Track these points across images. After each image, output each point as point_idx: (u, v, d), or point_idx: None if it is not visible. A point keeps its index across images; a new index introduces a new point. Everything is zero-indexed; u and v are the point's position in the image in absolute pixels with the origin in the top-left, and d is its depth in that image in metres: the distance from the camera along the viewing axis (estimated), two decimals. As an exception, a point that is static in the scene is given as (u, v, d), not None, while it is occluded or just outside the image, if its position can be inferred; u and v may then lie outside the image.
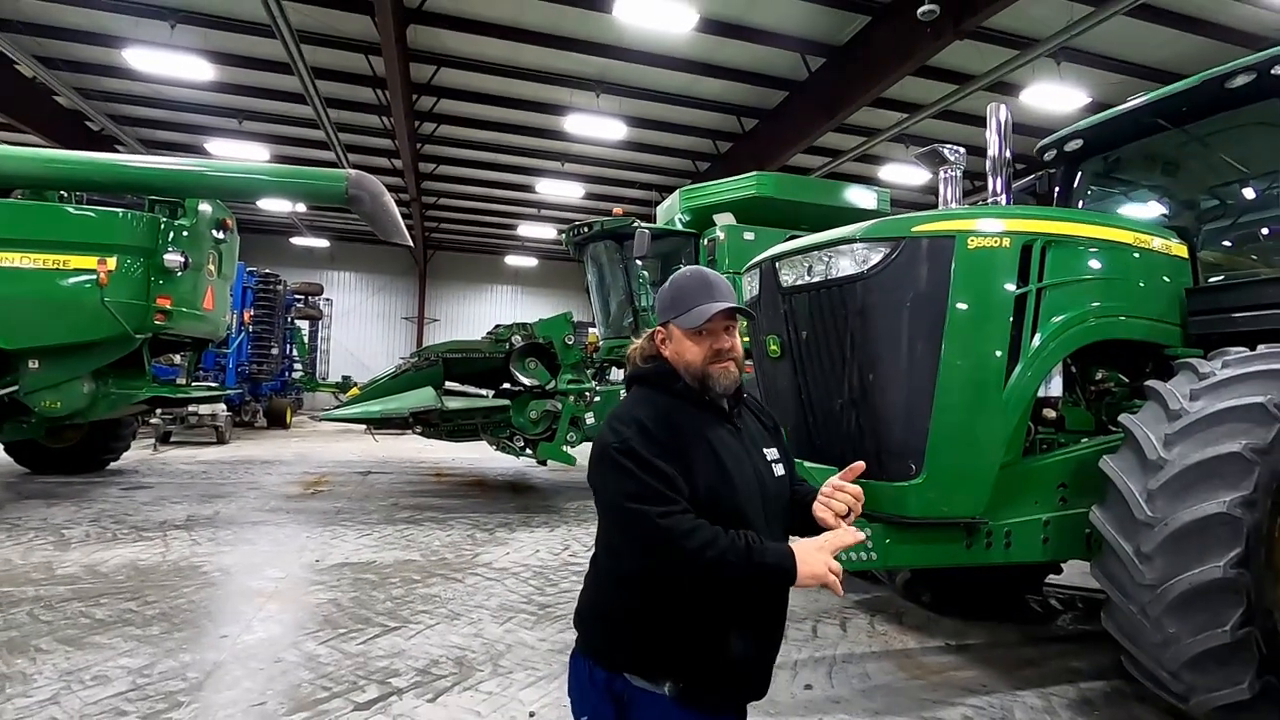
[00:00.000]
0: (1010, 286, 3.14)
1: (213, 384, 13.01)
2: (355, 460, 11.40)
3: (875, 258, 3.01)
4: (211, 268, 7.99)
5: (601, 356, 9.46)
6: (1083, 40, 9.91)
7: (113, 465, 9.38)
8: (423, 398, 7.42)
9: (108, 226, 6.99)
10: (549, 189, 18.04)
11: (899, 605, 4.60)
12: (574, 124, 13.60)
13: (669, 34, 10.44)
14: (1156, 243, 3.62)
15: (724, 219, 8.63)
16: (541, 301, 26.21)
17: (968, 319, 3.04)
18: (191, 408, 11.81)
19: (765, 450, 1.60)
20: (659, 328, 1.60)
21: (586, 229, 9.06)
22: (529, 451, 7.92)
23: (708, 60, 11.66)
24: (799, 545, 1.38)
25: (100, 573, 4.81)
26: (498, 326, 8.20)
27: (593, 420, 8.09)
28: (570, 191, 18.15)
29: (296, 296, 18.87)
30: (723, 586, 1.39)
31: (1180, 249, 3.70)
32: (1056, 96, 11.30)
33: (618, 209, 9.44)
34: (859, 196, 8.88)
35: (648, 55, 11.42)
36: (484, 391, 8.62)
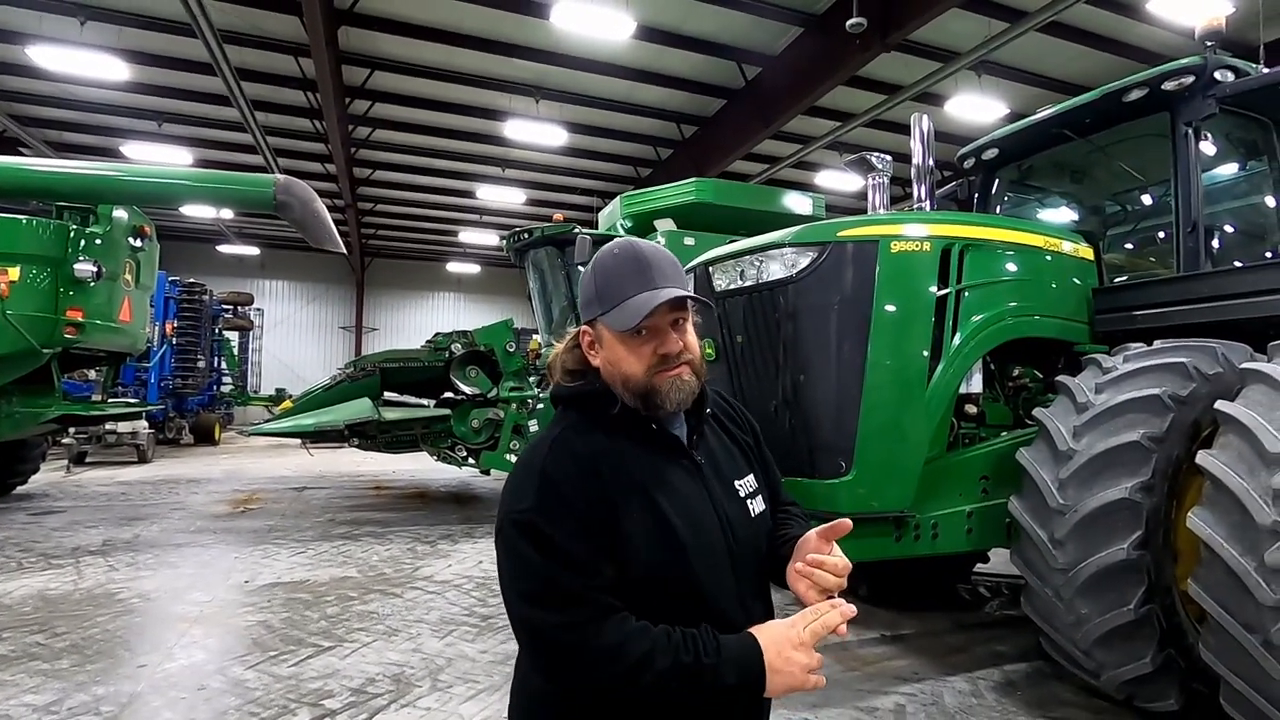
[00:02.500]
0: (932, 288, 3.27)
1: (132, 400, 12.34)
2: (289, 476, 10.98)
3: (804, 262, 3.09)
4: (128, 277, 7.57)
5: (544, 363, 9.40)
6: (1000, 54, 10.45)
7: (19, 490, 8.75)
8: (359, 409, 7.22)
9: (9, 235, 6.55)
10: (490, 195, 17.83)
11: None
12: (514, 129, 13.49)
13: (607, 41, 10.49)
14: (1066, 246, 3.84)
15: (664, 224, 8.72)
16: (485, 308, 25.83)
17: (892, 320, 3.16)
18: (109, 426, 11.15)
19: (737, 483, 1.23)
20: (585, 328, 1.19)
21: (527, 235, 8.99)
22: (472, 461, 7.79)
23: (647, 68, 11.76)
24: (770, 638, 1.03)
25: (3, 605, 4.48)
26: (437, 335, 8.05)
27: (536, 427, 8.02)
28: (512, 197, 17.99)
29: (224, 307, 18.07)
30: (686, 701, 1.03)
31: (1087, 252, 3.93)
32: (978, 107, 11.85)
33: (558, 215, 9.39)
34: (795, 202, 9.10)
35: (587, 62, 11.45)
36: (424, 401, 8.44)
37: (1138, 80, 3.82)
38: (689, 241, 8.18)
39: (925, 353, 3.21)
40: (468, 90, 12.54)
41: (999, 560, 4.57)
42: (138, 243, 7.69)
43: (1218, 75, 3.62)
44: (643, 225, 8.97)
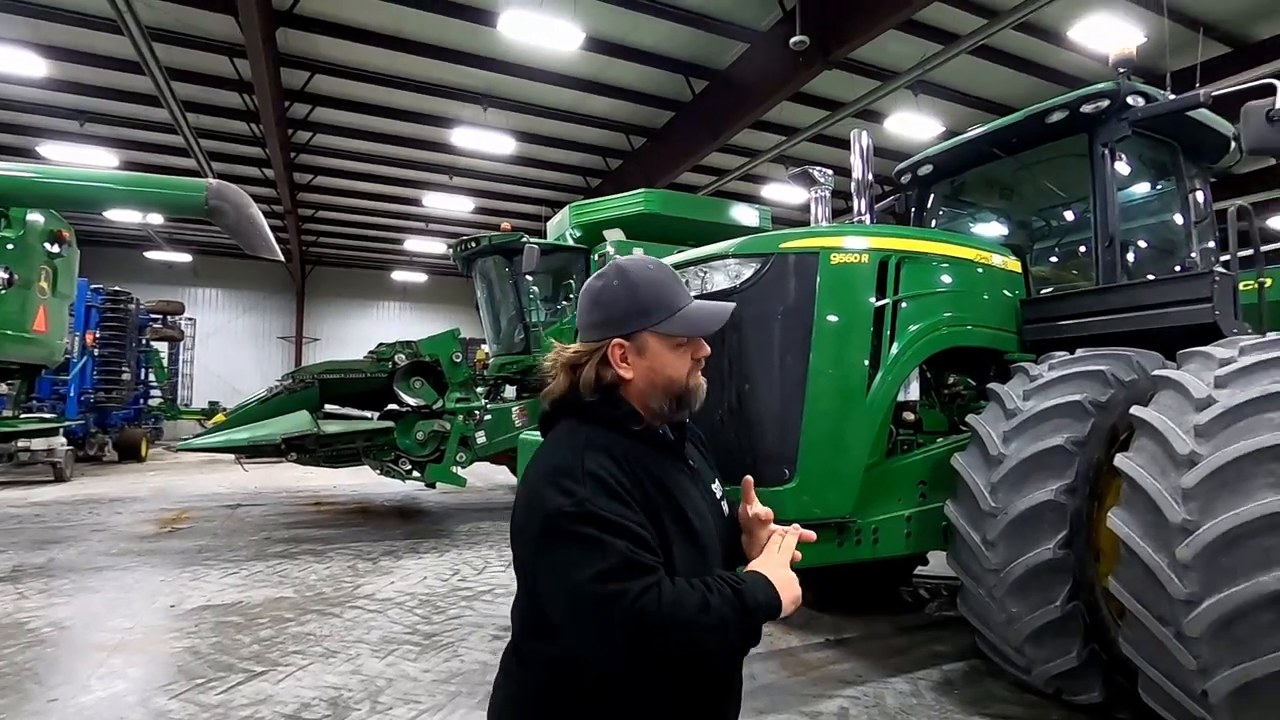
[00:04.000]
0: (871, 299, 3.37)
1: (48, 415, 11.59)
2: (222, 493, 10.49)
3: (747, 272, 3.14)
4: (44, 285, 7.15)
5: (492, 373, 9.27)
6: (936, 75, 10.90)
7: (-82, 513, 8.11)
8: (297, 422, 6.96)
9: (-92, 238, 6.10)
10: (437, 202, 17.55)
11: (784, 606, 4.78)
12: (461, 137, 13.33)
13: (556, 51, 10.48)
14: (996, 259, 4.01)
15: (614, 234, 8.73)
16: (432, 318, 25.35)
17: (833, 330, 3.24)
18: (21, 443, 10.43)
19: (713, 486, 1.37)
20: (618, 341, 1.22)
21: (474, 244, 8.89)
22: (417, 474, 7.61)
23: (595, 79, 11.80)
24: (764, 569, 1.18)
25: (-105, 639, 4.13)
26: (380, 345, 7.84)
27: (483, 439, 7.90)
28: (459, 205, 17.74)
29: (153, 316, 17.22)
30: (714, 655, 1.10)
31: (1015, 265, 4.12)
32: (915, 125, 12.32)
33: (506, 224, 9.34)
34: (743, 214, 9.25)
35: (535, 71, 11.42)
36: (367, 414, 8.21)
37: (1059, 103, 4.04)
38: (637, 251, 8.23)
39: (865, 362, 3.30)
40: (413, 96, 12.33)
41: (938, 562, 4.73)
42: (55, 248, 7.28)
43: (1130, 100, 3.85)
44: (592, 235, 8.97)
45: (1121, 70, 3.98)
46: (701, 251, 3.36)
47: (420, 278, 26.23)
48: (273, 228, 7.03)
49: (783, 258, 3.17)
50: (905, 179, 5.08)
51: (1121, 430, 2.98)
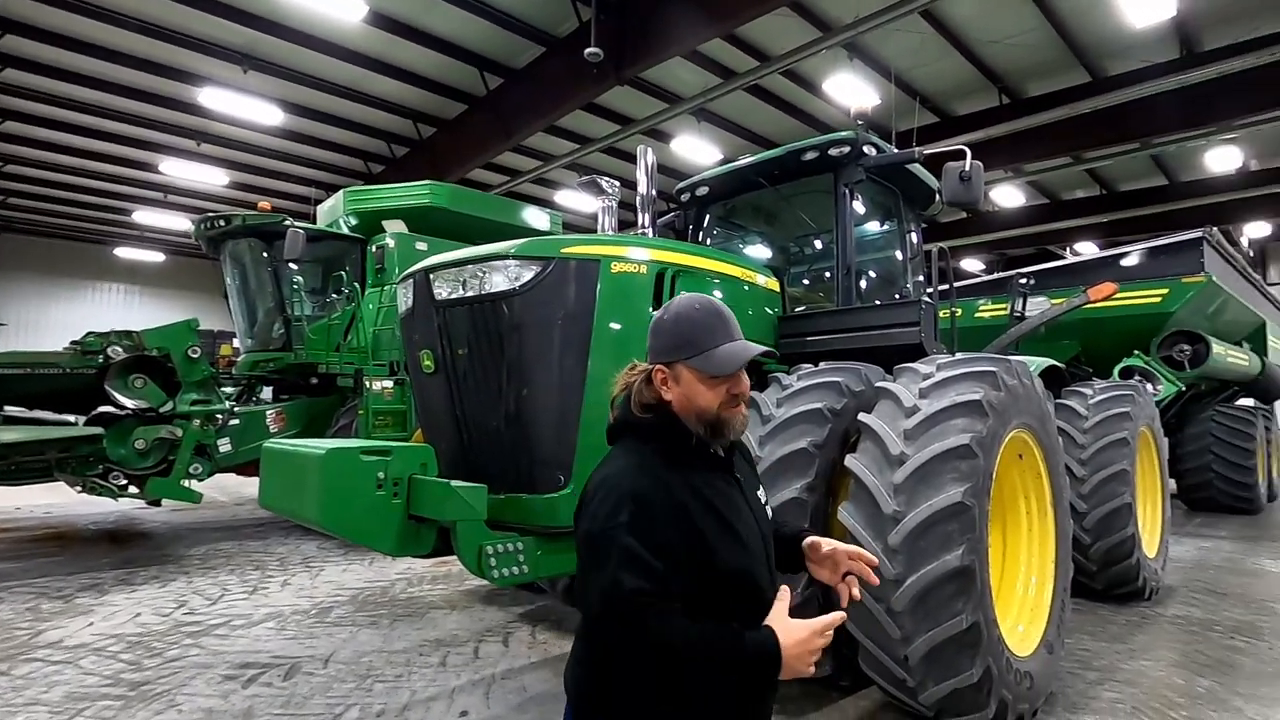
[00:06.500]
0: (649, 309, 3.48)
1: None
2: None
3: (527, 275, 3.07)
4: None
5: (242, 372, 8.15)
6: (716, 106, 11.85)
7: None
8: (-47, 429, 5.44)
9: None
10: (178, 170, 15.03)
11: (560, 612, 4.77)
12: (214, 99, 11.57)
13: (335, 19, 9.57)
14: (760, 279, 4.40)
15: (395, 226, 8.18)
16: (170, 304, 21.76)
17: (613, 337, 3.28)
18: None
19: (759, 493, 1.54)
20: (659, 367, 1.42)
21: (223, 222, 7.73)
22: (134, 490, 6.36)
23: (381, 58, 10.99)
24: (787, 633, 1.27)
25: None
26: (89, 334, 6.42)
27: (228, 447, 6.87)
28: (208, 177, 15.38)
29: None
30: (717, 680, 1.29)
31: (774, 284, 4.55)
32: (697, 149, 13.26)
33: (265, 203, 8.25)
34: (534, 217, 9.19)
35: (311, 39, 10.31)
36: (69, 418, 6.69)
37: (811, 144, 4.56)
38: (421, 246, 7.78)
39: (641, 369, 3.40)
40: (148, 42, 10.42)
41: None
42: None
43: (865, 149, 4.48)
44: (370, 224, 8.33)
45: (860, 122, 4.61)
46: (480, 250, 3.22)
47: (155, 257, 22.31)
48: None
49: (564, 262, 3.15)
50: (685, 197, 5.38)
51: (852, 434, 3.41)
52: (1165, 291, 7.91)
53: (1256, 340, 10.54)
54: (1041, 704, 3.21)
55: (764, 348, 1.46)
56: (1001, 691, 2.86)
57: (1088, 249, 18.43)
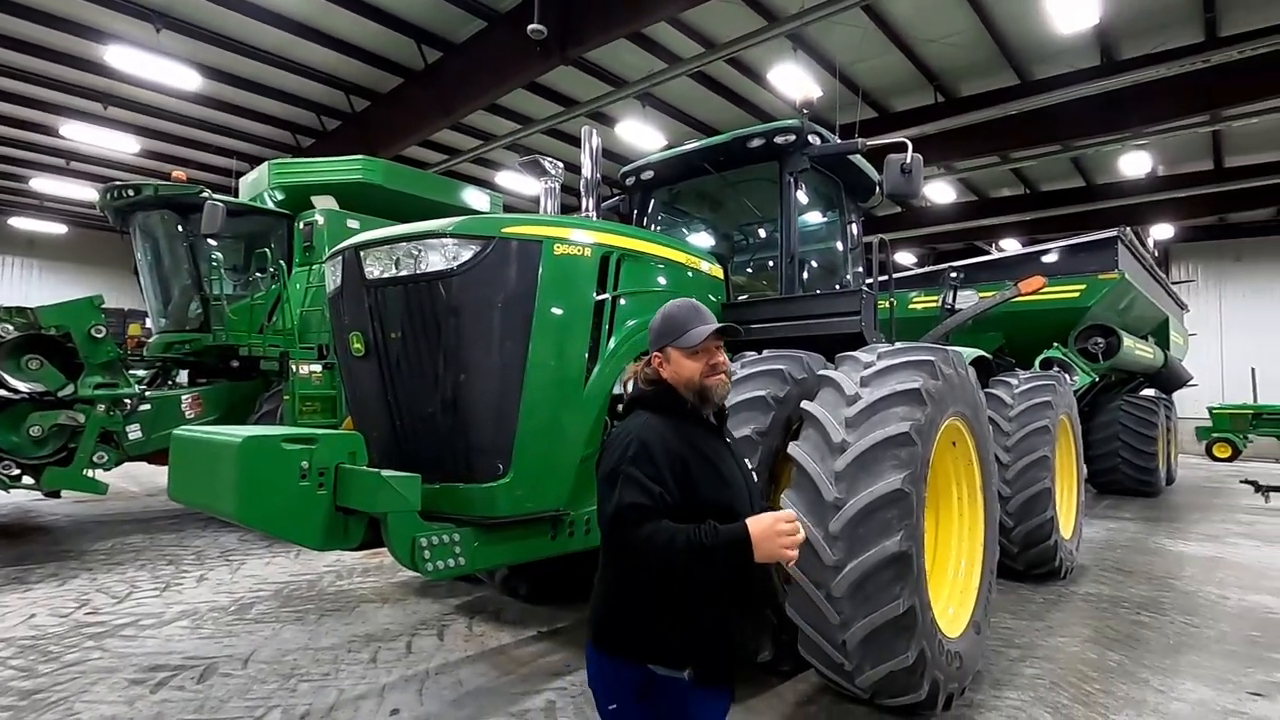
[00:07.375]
0: (592, 292, 3.40)
1: None
2: None
3: (466, 255, 2.93)
4: None
5: (153, 353, 7.62)
6: (661, 91, 11.74)
7: None
8: None
9: None
10: (82, 135, 13.82)
11: (498, 602, 4.66)
12: (121, 58, 10.64)
13: (258, -21, 8.96)
14: (704, 265, 4.36)
15: (324, 202, 7.79)
16: (72, 280, 20.27)
17: (555, 322, 3.19)
18: None
19: (745, 461, 1.90)
20: (656, 353, 1.80)
21: (132, 192, 7.17)
22: (29, 480, 5.85)
23: (311, 23, 10.37)
24: (756, 522, 1.55)
25: None
26: (-26, 311, 5.85)
27: (139, 434, 6.41)
28: (116, 143, 14.22)
29: None
30: (702, 570, 1.56)
31: (718, 271, 4.53)
32: (642, 134, 13.12)
33: (179, 173, 7.72)
34: (473, 198, 8.91)
35: (232, -2, 9.63)
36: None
37: (758, 130, 4.54)
38: (353, 224, 7.43)
39: (585, 354, 3.31)
40: (47, -8, 9.53)
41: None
42: None
43: (810, 138, 4.49)
44: (297, 199, 7.91)
45: (804, 111, 4.62)
46: (416, 227, 3.05)
47: (56, 228, 20.61)
48: None
49: (504, 242, 3.02)
50: (630, 181, 5.30)
51: (795, 421, 3.42)
52: (1083, 287, 8.35)
53: (1160, 335, 11.31)
54: (969, 682, 3.33)
55: (726, 324, 1.78)
56: (934, 673, 2.93)
57: (1012, 245, 19.31)
